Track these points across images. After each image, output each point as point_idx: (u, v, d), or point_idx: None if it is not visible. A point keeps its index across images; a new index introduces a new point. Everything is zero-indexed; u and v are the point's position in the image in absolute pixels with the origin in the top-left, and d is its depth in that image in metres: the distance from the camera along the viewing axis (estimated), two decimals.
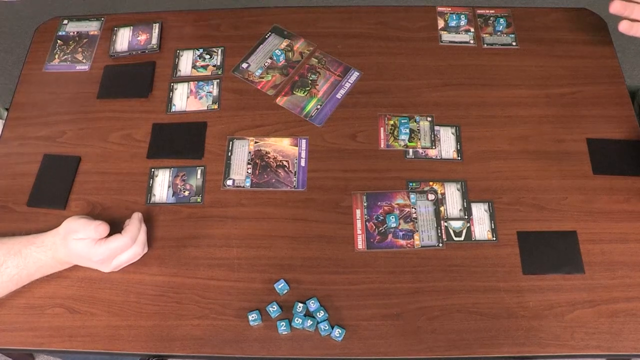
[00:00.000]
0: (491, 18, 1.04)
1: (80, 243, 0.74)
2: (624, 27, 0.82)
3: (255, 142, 0.91)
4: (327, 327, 0.75)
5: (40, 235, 0.76)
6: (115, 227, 0.83)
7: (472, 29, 1.02)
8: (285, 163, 0.89)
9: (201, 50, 1.01)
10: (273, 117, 0.93)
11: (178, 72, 0.99)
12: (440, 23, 1.03)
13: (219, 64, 0.99)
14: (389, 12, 1.05)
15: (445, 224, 0.83)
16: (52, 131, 0.93)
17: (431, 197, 0.85)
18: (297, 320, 0.75)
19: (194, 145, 0.91)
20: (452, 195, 0.85)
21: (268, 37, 1.02)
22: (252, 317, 0.76)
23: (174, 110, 0.95)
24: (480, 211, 0.84)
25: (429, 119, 0.92)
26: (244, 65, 0.99)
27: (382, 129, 0.92)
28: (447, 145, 0.90)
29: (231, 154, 0.90)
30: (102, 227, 0.74)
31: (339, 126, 0.92)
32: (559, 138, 0.90)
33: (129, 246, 0.76)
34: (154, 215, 0.84)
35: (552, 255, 0.80)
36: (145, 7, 1.08)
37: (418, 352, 0.74)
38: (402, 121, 0.92)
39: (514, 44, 1.00)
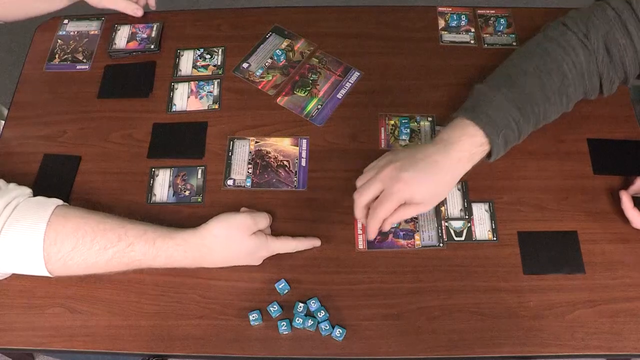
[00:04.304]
0: (492, 18, 1.04)
1: (253, 240, 0.75)
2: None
3: (256, 142, 0.91)
4: (328, 327, 0.75)
5: (181, 233, 0.74)
6: None
7: (473, 29, 1.02)
8: (285, 163, 0.89)
9: (202, 50, 1.01)
10: (274, 117, 0.93)
11: (179, 71, 0.99)
12: (441, 23, 1.03)
13: (219, 63, 0.99)
14: (389, 12, 1.05)
15: (446, 224, 0.83)
16: (52, 131, 0.93)
17: None
18: (298, 320, 0.75)
19: (195, 145, 0.91)
20: (453, 195, 0.85)
21: (269, 37, 1.02)
22: (253, 316, 0.76)
23: (174, 110, 0.95)
24: (480, 211, 0.84)
25: (430, 119, 0.92)
26: (245, 65, 0.99)
27: (382, 129, 0.92)
28: None
29: (232, 154, 0.90)
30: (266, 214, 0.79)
31: (339, 126, 0.92)
32: (560, 138, 0.90)
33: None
34: (155, 215, 0.84)
35: (552, 255, 0.80)
36: (145, 7, 1.08)
37: (419, 352, 0.74)
38: (403, 121, 0.92)
39: (514, 44, 1.00)
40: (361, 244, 0.82)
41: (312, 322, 0.75)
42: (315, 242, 0.81)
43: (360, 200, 0.75)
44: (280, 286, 0.78)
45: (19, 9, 0.99)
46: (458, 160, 0.74)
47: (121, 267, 0.74)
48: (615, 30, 0.77)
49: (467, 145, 0.74)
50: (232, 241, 0.75)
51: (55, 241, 0.70)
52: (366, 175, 0.77)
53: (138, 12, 1.04)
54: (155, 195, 0.86)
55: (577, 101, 0.81)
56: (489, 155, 0.76)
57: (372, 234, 0.77)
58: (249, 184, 0.87)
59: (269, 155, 0.90)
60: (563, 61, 0.77)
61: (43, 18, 1.06)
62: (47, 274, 0.72)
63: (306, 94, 0.96)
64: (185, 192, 0.86)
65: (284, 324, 0.75)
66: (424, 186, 0.74)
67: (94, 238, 0.71)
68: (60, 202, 0.74)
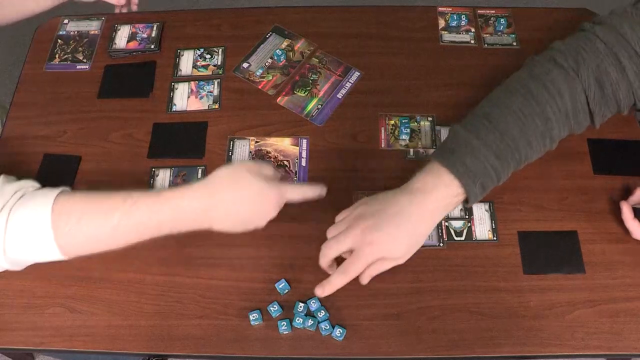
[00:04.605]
0: (492, 18, 1.04)
1: (262, 180, 0.71)
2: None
3: (256, 142, 0.91)
4: (328, 327, 0.75)
5: (186, 184, 0.72)
6: None
7: (473, 29, 1.02)
8: (286, 163, 0.89)
9: (202, 50, 1.01)
10: (274, 116, 0.93)
11: (179, 71, 0.99)
12: (441, 23, 1.03)
13: (219, 63, 0.99)
14: (389, 12, 1.05)
15: (446, 223, 0.83)
16: (52, 131, 0.93)
17: None
18: (298, 319, 0.75)
19: (195, 144, 0.91)
20: None
21: (269, 36, 1.02)
22: (253, 316, 0.76)
23: (174, 109, 0.95)
24: (480, 211, 0.84)
25: (430, 118, 0.92)
26: (245, 65, 0.99)
27: (382, 129, 0.92)
28: None
29: (232, 154, 0.90)
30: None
31: (339, 126, 0.92)
32: None
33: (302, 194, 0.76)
34: None
35: (552, 255, 0.80)
36: (145, 7, 1.08)
37: (419, 352, 0.74)
38: (403, 121, 0.92)
39: (514, 44, 1.00)
40: None
41: (312, 322, 0.75)
42: (322, 191, 0.78)
43: (329, 254, 0.73)
44: (280, 286, 0.78)
45: (5, 8, 0.99)
46: (432, 211, 0.72)
47: (128, 234, 0.70)
48: (607, 64, 0.73)
49: (442, 195, 0.72)
50: (240, 182, 0.71)
51: (62, 212, 0.69)
52: (337, 227, 0.75)
53: (121, 1, 1.04)
54: None
55: (563, 138, 0.78)
56: (466, 200, 0.73)
57: (332, 290, 0.73)
58: None
59: (269, 155, 0.90)
60: (547, 104, 0.73)
61: (43, 18, 1.06)
62: (58, 253, 0.70)
63: (306, 93, 0.96)
64: None
65: (284, 324, 0.75)
66: (397, 242, 0.72)
67: (101, 204, 0.70)
68: (67, 188, 0.74)
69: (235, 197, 0.71)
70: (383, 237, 0.71)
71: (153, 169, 0.89)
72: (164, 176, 0.88)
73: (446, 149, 0.74)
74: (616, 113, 0.78)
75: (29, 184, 0.74)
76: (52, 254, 0.70)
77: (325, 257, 0.74)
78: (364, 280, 0.75)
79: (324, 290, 0.73)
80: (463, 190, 0.72)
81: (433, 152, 0.75)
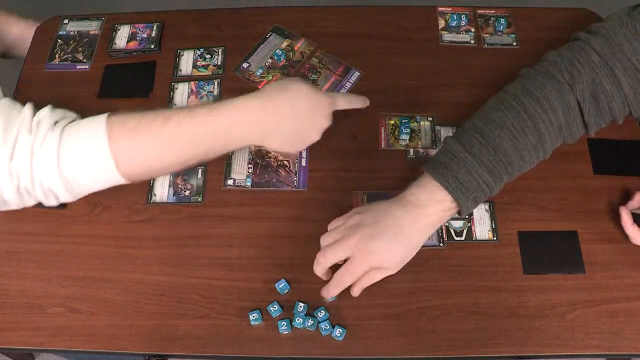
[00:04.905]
0: (492, 18, 1.04)
1: (311, 86, 0.74)
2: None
3: None
4: (328, 327, 0.75)
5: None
6: (116, 228, 0.84)
7: (473, 29, 1.02)
8: (286, 163, 0.89)
9: (202, 50, 1.01)
10: None
11: (179, 71, 0.99)
12: (441, 23, 1.03)
13: (219, 63, 0.99)
14: (389, 12, 1.05)
15: (446, 223, 0.83)
16: None
17: None
18: (298, 319, 0.75)
19: None
20: None
21: (269, 36, 1.02)
22: (253, 316, 0.76)
23: None
24: (480, 211, 0.84)
25: (430, 118, 0.92)
26: (245, 65, 0.99)
27: (382, 129, 0.92)
28: None
29: (232, 154, 0.90)
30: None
31: (339, 126, 0.92)
32: None
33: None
34: (155, 215, 0.84)
35: (552, 255, 0.80)
36: (145, 7, 1.08)
37: (419, 352, 0.74)
38: (403, 121, 0.92)
39: (514, 44, 1.00)
40: None
41: (312, 322, 0.75)
42: (366, 102, 0.84)
43: (325, 263, 0.74)
44: (280, 286, 0.78)
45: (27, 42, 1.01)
46: (426, 225, 0.73)
47: (183, 144, 0.70)
48: (602, 77, 0.73)
49: (435, 210, 0.72)
50: (291, 86, 0.73)
51: (117, 120, 0.68)
52: (332, 235, 0.75)
53: None
54: (155, 195, 0.86)
55: (556, 148, 0.78)
56: (458, 212, 0.74)
57: (332, 295, 0.75)
58: (249, 184, 0.87)
59: (269, 155, 0.90)
60: (540, 119, 0.73)
61: (44, 18, 1.06)
62: (112, 166, 0.68)
63: None
64: (185, 191, 0.86)
65: (284, 324, 0.75)
66: (392, 254, 0.73)
67: (155, 115, 0.69)
68: None
69: (288, 103, 0.73)
70: (381, 246, 0.72)
71: None
72: (164, 176, 0.88)
73: (439, 163, 0.74)
74: (611, 123, 0.78)
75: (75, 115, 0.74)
76: (107, 166, 0.68)
77: (320, 265, 0.74)
78: (356, 292, 0.75)
79: (328, 294, 0.75)
80: (456, 204, 0.73)
81: (426, 164, 0.75)
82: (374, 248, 0.72)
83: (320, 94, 0.77)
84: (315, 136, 0.77)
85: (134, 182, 0.72)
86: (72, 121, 0.71)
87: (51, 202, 0.71)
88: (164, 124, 0.69)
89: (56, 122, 0.69)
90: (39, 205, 0.84)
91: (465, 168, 0.72)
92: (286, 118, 0.74)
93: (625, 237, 0.80)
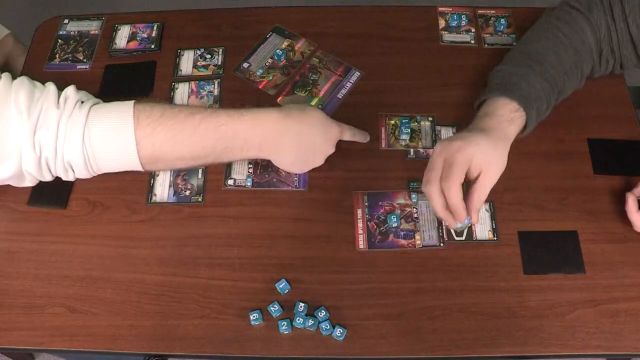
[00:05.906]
0: (492, 18, 1.04)
1: (323, 113, 0.79)
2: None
3: None
4: (328, 327, 0.75)
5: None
6: (116, 228, 0.84)
7: (473, 29, 1.02)
8: None
9: (202, 50, 1.01)
10: None
11: (179, 71, 0.99)
12: (441, 23, 1.03)
13: (220, 63, 0.99)
14: (390, 12, 1.05)
15: (447, 223, 0.83)
16: None
17: None
18: (299, 319, 0.75)
19: None
20: None
21: (269, 36, 1.02)
22: (254, 316, 0.76)
23: None
24: (481, 211, 0.84)
25: (430, 118, 0.92)
26: (245, 65, 0.99)
27: (382, 129, 0.92)
28: None
29: None
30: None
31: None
32: (560, 138, 0.90)
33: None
34: (155, 215, 0.84)
35: (553, 255, 0.80)
36: (145, 7, 1.08)
37: (419, 352, 0.74)
38: (403, 121, 0.92)
39: (514, 44, 1.00)
40: (361, 244, 0.82)
41: (312, 322, 0.75)
42: (367, 137, 0.88)
43: (431, 186, 0.71)
44: (280, 286, 0.78)
45: None
46: (501, 122, 0.76)
47: (206, 139, 0.73)
48: (615, 12, 0.82)
49: (506, 111, 0.77)
50: (307, 112, 0.78)
51: (145, 107, 0.72)
52: (425, 174, 0.74)
53: None
54: (155, 195, 0.86)
55: (586, 77, 0.87)
56: (523, 128, 0.79)
57: (463, 216, 0.72)
58: (249, 184, 0.87)
59: None
60: (574, 38, 0.83)
61: (44, 17, 1.06)
62: (135, 152, 0.71)
63: (306, 93, 0.96)
64: (185, 191, 0.86)
65: (284, 324, 0.75)
66: (482, 143, 0.72)
67: (181, 108, 0.74)
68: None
69: (305, 125, 0.78)
70: (467, 137, 0.73)
71: None
72: (164, 176, 0.88)
73: (495, 85, 0.80)
74: (618, 66, 0.87)
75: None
76: (129, 149, 0.71)
77: (434, 195, 0.72)
78: (474, 215, 0.73)
79: (460, 217, 0.73)
80: (521, 107, 0.77)
81: (484, 91, 0.81)
82: (460, 138, 0.73)
83: (333, 123, 0.81)
84: (320, 161, 0.83)
85: (146, 170, 0.75)
86: (96, 103, 0.74)
87: (69, 176, 0.74)
88: (188, 117, 0.73)
89: (81, 102, 0.72)
90: (39, 205, 0.85)
91: (526, 80, 0.79)
92: (299, 138, 0.78)
93: (626, 237, 0.80)
